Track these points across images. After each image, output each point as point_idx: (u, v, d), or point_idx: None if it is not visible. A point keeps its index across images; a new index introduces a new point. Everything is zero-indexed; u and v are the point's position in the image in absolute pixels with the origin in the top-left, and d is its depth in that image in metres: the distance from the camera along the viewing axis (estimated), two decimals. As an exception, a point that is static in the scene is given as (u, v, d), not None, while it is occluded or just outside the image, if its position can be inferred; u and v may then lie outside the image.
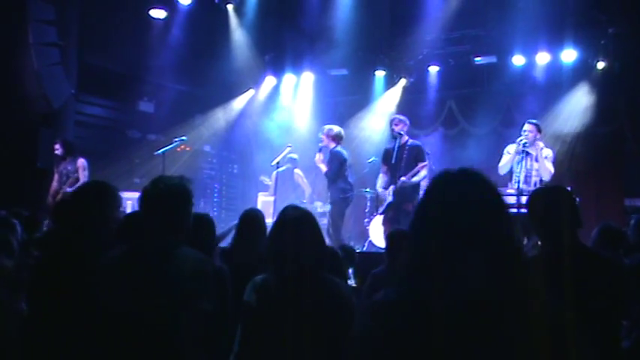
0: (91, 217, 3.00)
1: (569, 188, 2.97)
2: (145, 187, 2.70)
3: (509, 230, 1.48)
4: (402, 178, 7.67)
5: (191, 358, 2.46)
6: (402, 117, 8.05)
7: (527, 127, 7.22)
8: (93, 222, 2.99)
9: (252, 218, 4.33)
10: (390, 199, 7.78)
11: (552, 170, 7.08)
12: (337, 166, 8.14)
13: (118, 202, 3.15)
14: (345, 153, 8.27)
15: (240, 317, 2.67)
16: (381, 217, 8.14)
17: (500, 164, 7.26)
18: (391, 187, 7.76)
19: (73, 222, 3.14)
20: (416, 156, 7.74)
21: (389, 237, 4.55)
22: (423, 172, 7.75)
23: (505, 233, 1.47)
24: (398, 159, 7.71)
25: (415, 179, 7.70)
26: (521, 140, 7.08)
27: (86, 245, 2.91)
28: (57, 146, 8.36)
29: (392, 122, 7.95)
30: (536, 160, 7.11)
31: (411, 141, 7.94)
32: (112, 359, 2.51)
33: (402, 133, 7.82)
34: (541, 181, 7.02)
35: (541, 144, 7.28)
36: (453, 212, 1.46)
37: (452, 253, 1.42)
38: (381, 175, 8.06)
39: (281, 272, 2.57)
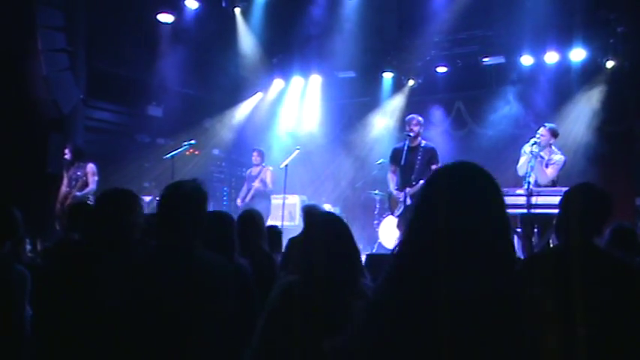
0: (111, 224, 3.02)
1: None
2: (163, 191, 2.74)
3: (505, 226, 1.48)
4: (422, 182, 7.45)
5: (211, 358, 2.47)
6: (420, 118, 7.85)
7: (541, 130, 7.18)
8: (112, 229, 3.01)
9: (250, 218, 4.34)
10: (407, 201, 7.58)
11: (551, 175, 6.99)
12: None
13: (139, 208, 3.17)
14: None
15: (264, 315, 2.68)
16: (395, 219, 7.96)
17: (519, 165, 7.21)
18: (407, 190, 7.56)
19: (91, 229, 3.16)
20: (430, 159, 7.59)
21: None
22: None
23: (501, 230, 1.47)
24: (410, 160, 7.54)
25: None
26: (533, 143, 7.05)
27: (102, 252, 2.93)
28: (66, 151, 8.41)
29: (410, 122, 7.72)
30: (546, 166, 7.07)
31: (424, 142, 7.78)
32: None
33: (420, 133, 7.70)
34: (536, 182, 6.93)
35: (555, 149, 7.25)
36: (450, 206, 1.46)
37: (449, 251, 1.42)
38: (390, 176, 7.91)
39: (309, 276, 2.57)
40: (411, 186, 7.53)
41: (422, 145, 7.71)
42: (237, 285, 2.77)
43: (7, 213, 3.57)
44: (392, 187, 7.86)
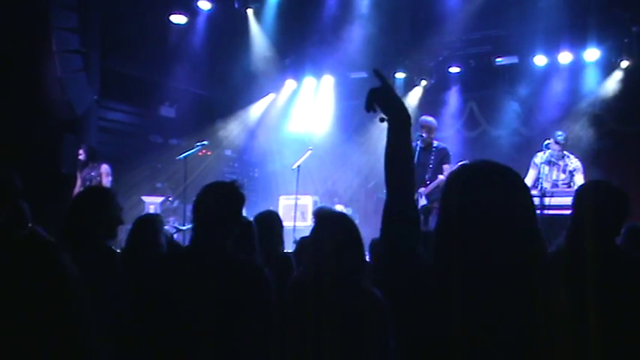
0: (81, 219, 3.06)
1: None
2: (202, 190, 2.78)
3: (533, 218, 1.54)
4: (442, 178, 7.39)
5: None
6: (433, 120, 7.84)
7: (552, 145, 7.27)
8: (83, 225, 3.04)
9: (268, 219, 4.34)
10: (422, 201, 7.53)
11: (579, 182, 7.03)
12: None
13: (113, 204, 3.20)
14: None
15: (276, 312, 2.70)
16: None
17: (526, 179, 7.23)
18: (421, 190, 7.50)
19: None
20: (442, 159, 7.61)
21: None
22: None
23: (530, 223, 1.52)
24: (423, 160, 7.52)
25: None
26: (546, 153, 7.11)
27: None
28: (80, 151, 8.46)
29: (424, 124, 7.69)
30: (563, 172, 7.09)
31: (436, 142, 7.77)
32: None
33: (433, 134, 7.69)
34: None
35: (569, 154, 7.28)
36: (483, 202, 1.51)
37: (481, 243, 1.47)
38: None
39: (317, 274, 2.59)
40: (425, 185, 7.50)
41: (435, 145, 7.71)
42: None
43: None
44: None
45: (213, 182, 2.87)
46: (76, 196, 3.14)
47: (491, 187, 1.53)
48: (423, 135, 7.59)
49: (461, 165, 1.64)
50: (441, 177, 7.45)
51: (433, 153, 7.62)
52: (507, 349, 1.39)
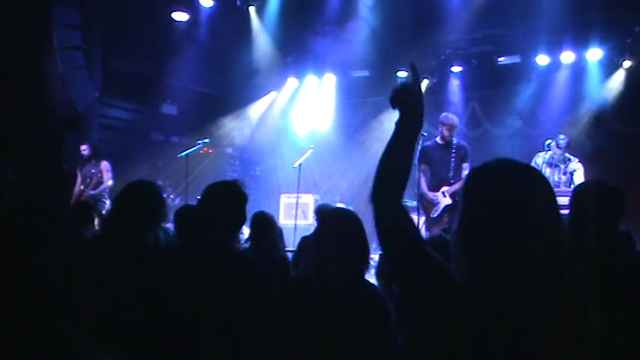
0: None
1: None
2: (206, 189, 2.82)
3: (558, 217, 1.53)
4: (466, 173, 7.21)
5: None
6: (455, 117, 7.66)
7: (554, 149, 7.25)
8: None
9: (264, 220, 4.33)
10: (446, 201, 7.24)
11: (579, 182, 7.04)
12: None
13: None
14: None
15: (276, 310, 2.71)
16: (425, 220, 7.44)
17: None
18: (446, 189, 7.26)
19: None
20: (463, 157, 7.36)
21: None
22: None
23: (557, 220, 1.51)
24: (443, 158, 7.32)
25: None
26: (547, 153, 7.12)
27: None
28: (84, 147, 8.44)
29: (446, 122, 7.45)
30: (564, 174, 7.12)
31: (456, 140, 7.51)
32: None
33: (452, 134, 7.43)
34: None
35: (569, 156, 7.29)
36: (516, 202, 1.49)
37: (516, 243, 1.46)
38: (420, 176, 7.39)
39: (319, 271, 2.59)
40: (450, 184, 7.26)
41: (455, 142, 7.44)
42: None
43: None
44: (423, 188, 7.42)
45: (217, 182, 2.89)
46: (126, 191, 3.07)
47: (515, 186, 1.52)
48: (445, 133, 7.35)
49: (483, 164, 1.61)
50: (465, 165, 7.27)
51: (454, 150, 7.35)
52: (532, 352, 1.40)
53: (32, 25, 8.20)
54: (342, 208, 2.84)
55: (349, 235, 2.65)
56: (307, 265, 2.78)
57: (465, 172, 7.06)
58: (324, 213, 2.83)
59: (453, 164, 7.29)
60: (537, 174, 1.60)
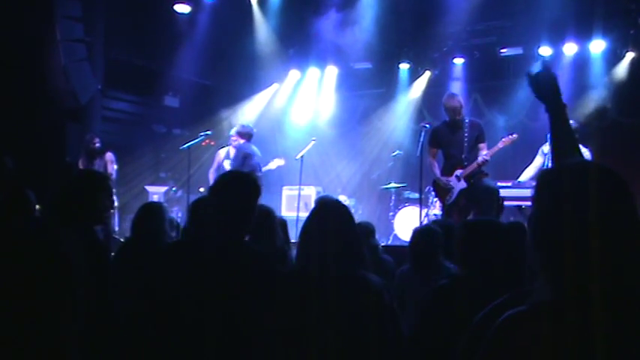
0: None
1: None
2: (218, 179, 2.76)
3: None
4: (484, 155, 6.61)
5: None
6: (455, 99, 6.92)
7: None
8: None
9: (262, 214, 4.31)
10: (461, 185, 6.68)
11: None
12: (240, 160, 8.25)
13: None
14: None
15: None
16: (441, 207, 7.16)
17: (531, 166, 7.27)
18: (459, 172, 6.71)
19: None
20: (478, 136, 6.79)
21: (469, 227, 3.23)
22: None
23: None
24: (455, 138, 6.76)
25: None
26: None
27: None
28: (97, 140, 8.39)
29: (453, 100, 6.85)
30: None
31: (468, 118, 6.94)
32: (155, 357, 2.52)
33: (457, 117, 6.79)
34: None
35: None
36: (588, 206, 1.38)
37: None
38: (431, 161, 6.96)
39: (306, 264, 2.56)
40: (463, 167, 6.71)
41: (466, 120, 6.84)
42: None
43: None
44: (436, 172, 6.90)
45: (229, 171, 2.83)
46: (70, 179, 3.04)
47: (593, 191, 1.39)
48: (450, 115, 6.79)
49: (557, 165, 1.51)
50: (482, 157, 6.64)
51: (466, 128, 6.76)
52: None
53: (35, 17, 8.21)
54: (329, 198, 2.75)
55: (335, 226, 2.55)
56: (295, 259, 2.71)
57: (484, 153, 6.70)
58: (315, 204, 2.76)
59: (466, 144, 6.72)
60: (616, 180, 1.47)
